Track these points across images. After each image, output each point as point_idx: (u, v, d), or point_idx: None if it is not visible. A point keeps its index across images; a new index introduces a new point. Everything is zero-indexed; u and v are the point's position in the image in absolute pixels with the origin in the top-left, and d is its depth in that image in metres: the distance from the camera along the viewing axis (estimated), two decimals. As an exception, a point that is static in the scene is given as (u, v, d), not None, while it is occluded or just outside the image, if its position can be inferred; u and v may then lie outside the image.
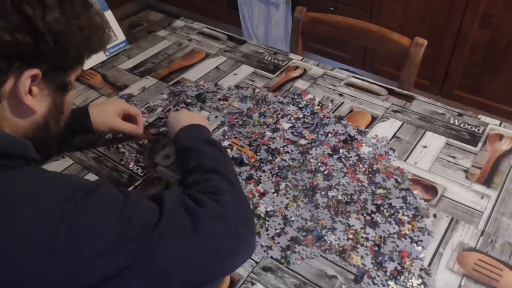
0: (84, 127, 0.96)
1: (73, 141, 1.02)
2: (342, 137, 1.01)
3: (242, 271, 0.76)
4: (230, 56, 1.34)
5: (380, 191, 0.87)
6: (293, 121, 1.07)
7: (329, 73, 1.25)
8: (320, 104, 1.12)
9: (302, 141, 1.00)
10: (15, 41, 0.51)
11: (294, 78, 1.23)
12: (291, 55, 1.35)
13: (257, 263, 0.77)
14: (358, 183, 0.89)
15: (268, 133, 1.04)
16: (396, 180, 0.90)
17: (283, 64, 1.29)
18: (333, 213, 0.84)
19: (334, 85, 1.20)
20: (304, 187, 0.89)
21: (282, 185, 0.90)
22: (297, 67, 1.28)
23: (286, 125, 1.06)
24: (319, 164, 0.94)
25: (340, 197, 0.87)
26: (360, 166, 0.93)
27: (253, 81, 1.23)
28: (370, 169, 0.93)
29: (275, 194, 0.88)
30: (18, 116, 0.57)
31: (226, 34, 1.47)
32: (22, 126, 0.59)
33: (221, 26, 1.59)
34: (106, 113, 0.97)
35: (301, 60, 1.32)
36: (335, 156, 0.96)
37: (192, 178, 0.76)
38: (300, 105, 1.12)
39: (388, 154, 0.96)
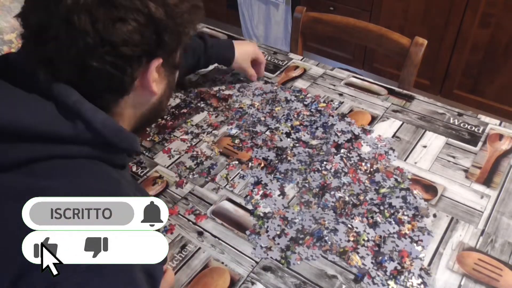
0: (226, 58, 1.13)
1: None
2: (348, 136, 1.01)
3: (242, 270, 0.76)
4: (230, 56, 1.34)
5: (383, 190, 0.87)
6: (300, 119, 1.07)
7: (329, 73, 1.25)
8: (326, 102, 1.12)
9: (314, 142, 1.00)
10: (144, 40, 0.54)
11: (294, 78, 1.23)
12: (291, 55, 1.35)
13: (257, 263, 0.77)
14: (359, 183, 0.89)
15: (277, 132, 1.04)
16: (396, 179, 0.90)
17: (283, 64, 1.29)
18: (337, 214, 0.84)
19: (334, 85, 1.20)
20: (316, 187, 0.89)
21: (288, 188, 0.91)
22: (297, 67, 1.28)
23: (294, 123, 1.06)
24: (325, 163, 0.94)
25: (347, 199, 0.87)
26: (362, 165, 0.93)
27: (253, 81, 1.23)
28: (371, 169, 0.93)
29: (281, 197, 0.88)
30: (140, 101, 0.61)
31: (226, 34, 1.47)
32: (141, 109, 0.62)
33: (221, 26, 1.58)
34: (246, 54, 1.14)
35: (301, 60, 1.32)
36: (337, 156, 0.96)
37: None
38: (305, 102, 1.12)
39: (388, 154, 0.96)
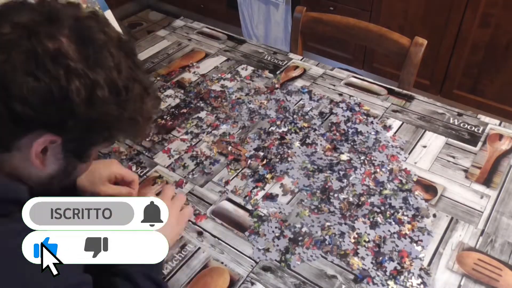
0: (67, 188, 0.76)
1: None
2: (373, 137, 1.01)
3: (242, 271, 0.76)
4: (230, 56, 1.34)
5: (386, 192, 0.87)
6: (308, 118, 1.07)
7: (329, 73, 1.25)
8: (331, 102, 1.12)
9: (344, 157, 0.95)
10: (45, 110, 0.49)
11: (294, 78, 1.23)
12: (291, 55, 1.35)
13: (256, 263, 0.77)
14: (362, 184, 0.89)
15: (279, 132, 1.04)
16: (400, 181, 0.90)
17: (283, 64, 1.29)
18: (342, 216, 0.83)
19: (334, 85, 1.20)
20: (317, 189, 0.89)
21: (288, 187, 0.91)
22: (297, 67, 1.28)
23: (303, 124, 1.06)
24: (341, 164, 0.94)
25: (351, 199, 0.87)
26: (378, 170, 0.92)
27: (252, 80, 1.23)
28: (384, 170, 0.93)
29: (281, 197, 0.88)
30: (24, 167, 0.55)
31: (226, 33, 1.47)
32: (25, 176, 0.57)
33: (221, 26, 1.58)
34: (94, 179, 0.82)
35: (301, 59, 1.32)
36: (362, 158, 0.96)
37: None
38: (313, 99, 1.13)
39: (399, 154, 0.96)
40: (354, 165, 0.94)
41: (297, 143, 1.00)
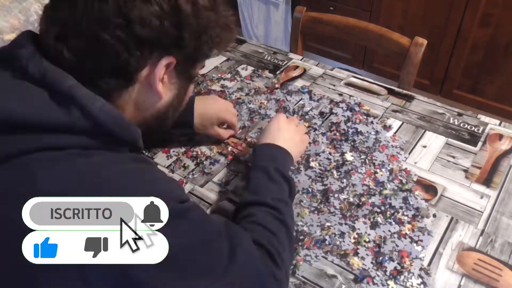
0: (186, 123, 0.94)
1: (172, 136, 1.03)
2: (373, 137, 1.01)
3: (242, 270, 0.76)
4: (230, 56, 1.34)
5: (386, 192, 0.87)
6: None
7: (329, 72, 1.25)
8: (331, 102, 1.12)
9: (348, 156, 0.95)
10: (162, 28, 0.52)
11: (294, 78, 1.23)
12: (291, 55, 1.35)
13: (257, 262, 0.77)
14: (362, 184, 0.89)
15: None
16: (400, 181, 0.90)
17: (283, 64, 1.29)
18: (343, 217, 0.83)
19: (334, 85, 1.20)
20: (318, 192, 0.89)
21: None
22: (297, 67, 1.28)
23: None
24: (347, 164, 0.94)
25: (351, 199, 0.87)
26: (378, 171, 0.92)
27: (252, 80, 1.23)
28: (384, 170, 0.93)
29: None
30: (144, 100, 0.58)
31: (226, 33, 1.46)
32: (143, 110, 0.60)
33: (221, 26, 1.58)
34: (208, 118, 0.96)
35: (301, 59, 1.32)
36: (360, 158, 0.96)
37: (262, 214, 0.72)
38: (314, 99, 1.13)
39: (399, 154, 0.96)
40: (355, 165, 0.94)
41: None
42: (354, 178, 0.91)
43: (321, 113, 1.09)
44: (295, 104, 1.12)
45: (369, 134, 1.01)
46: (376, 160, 0.95)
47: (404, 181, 0.90)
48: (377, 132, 1.02)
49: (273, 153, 0.83)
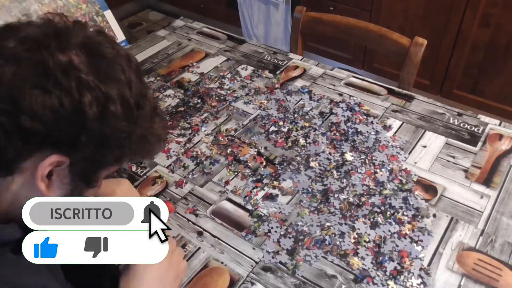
0: None
1: None
2: (373, 137, 1.01)
3: (242, 271, 0.76)
4: (230, 56, 1.34)
5: (386, 192, 0.87)
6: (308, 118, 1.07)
7: (329, 72, 1.25)
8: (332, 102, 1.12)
9: (348, 156, 0.96)
10: (56, 125, 0.46)
11: (294, 78, 1.23)
12: (291, 55, 1.35)
13: (256, 263, 0.77)
14: (364, 184, 0.89)
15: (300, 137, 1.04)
16: (400, 181, 0.90)
17: (283, 64, 1.29)
18: (343, 217, 0.83)
19: (334, 85, 1.20)
20: (318, 192, 0.89)
21: (288, 187, 0.91)
22: (297, 67, 1.28)
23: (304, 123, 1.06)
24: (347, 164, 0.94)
25: (351, 199, 0.87)
26: (378, 171, 0.92)
27: (252, 80, 1.23)
28: (384, 170, 0.92)
29: (281, 197, 0.88)
30: (25, 195, 0.52)
31: (226, 33, 1.47)
32: (23, 203, 0.52)
33: (220, 26, 1.58)
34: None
35: (301, 59, 1.32)
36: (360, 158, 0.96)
37: None
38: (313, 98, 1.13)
39: (399, 154, 0.96)
40: (355, 165, 0.94)
41: (301, 141, 1.00)
42: (354, 178, 0.91)
43: (321, 113, 1.09)
44: (295, 104, 1.12)
45: (369, 134, 1.01)
46: (376, 160, 0.95)
47: (404, 181, 0.90)
48: (377, 132, 1.02)
49: None
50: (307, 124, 1.05)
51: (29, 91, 0.45)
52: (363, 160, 0.95)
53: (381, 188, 0.88)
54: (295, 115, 1.09)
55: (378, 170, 0.92)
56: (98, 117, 0.48)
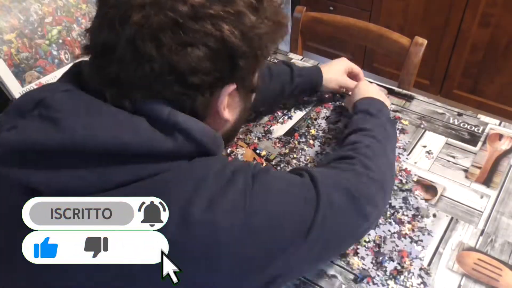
0: (314, 85, 1.05)
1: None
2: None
3: (242, 270, 0.76)
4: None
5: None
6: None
7: (329, 72, 1.25)
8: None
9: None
10: (215, 68, 0.49)
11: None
12: (291, 55, 1.34)
13: (256, 262, 0.77)
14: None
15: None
16: (400, 181, 0.90)
17: (283, 64, 1.29)
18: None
19: (334, 85, 1.19)
20: None
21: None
22: (296, 67, 1.27)
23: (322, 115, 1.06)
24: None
25: None
26: None
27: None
28: None
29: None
30: (215, 126, 0.56)
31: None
32: (217, 131, 0.57)
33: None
34: (336, 71, 1.08)
35: (301, 59, 1.32)
36: None
37: (361, 139, 0.76)
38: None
39: (401, 154, 0.96)
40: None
41: (305, 146, 1.00)
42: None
43: (325, 117, 1.09)
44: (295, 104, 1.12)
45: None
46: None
47: (404, 181, 0.90)
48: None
49: (370, 101, 0.89)
50: (308, 124, 1.05)
51: (180, 53, 0.47)
52: None
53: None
54: (295, 115, 1.08)
55: None
56: (243, 40, 0.50)
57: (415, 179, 0.90)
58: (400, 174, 0.91)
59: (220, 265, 0.48)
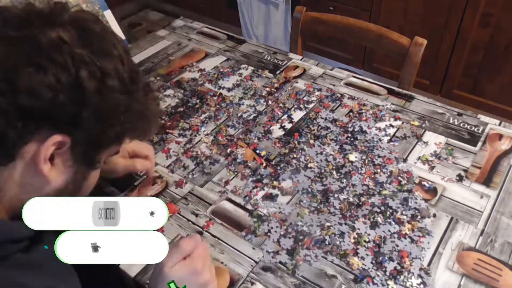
0: None
1: None
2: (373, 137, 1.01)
3: (242, 270, 0.76)
4: (230, 56, 1.34)
5: (385, 192, 0.87)
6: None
7: (329, 72, 1.25)
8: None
9: (352, 157, 0.95)
10: (55, 102, 0.45)
11: (294, 78, 1.23)
12: (291, 55, 1.35)
13: (256, 263, 0.77)
14: (364, 184, 0.89)
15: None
16: (399, 182, 0.90)
17: (283, 64, 1.29)
18: (343, 216, 0.83)
19: (334, 85, 1.20)
20: (318, 192, 0.88)
21: (287, 187, 0.91)
22: (296, 67, 1.28)
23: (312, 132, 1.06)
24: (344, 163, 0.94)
25: (351, 199, 0.87)
26: (379, 171, 0.92)
27: (252, 80, 1.23)
28: (384, 170, 0.92)
29: (285, 201, 0.88)
30: (29, 182, 0.51)
31: (225, 33, 1.47)
32: (29, 193, 0.51)
33: (220, 26, 1.58)
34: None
35: (301, 59, 1.32)
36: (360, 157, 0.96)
37: None
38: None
39: (399, 158, 0.96)
40: (356, 166, 0.93)
41: (306, 148, 1.00)
42: (354, 178, 0.91)
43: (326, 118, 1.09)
44: (296, 103, 1.12)
45: (369, 134, 1.01)
46: (376, 160, 0.94)
47: (404, 182, 0.90)
48: (373, 135, 1.02)
49: None
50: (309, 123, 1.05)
51: (24, 69, 0.44)
52: (363, 161, 0.94)
53: (381, 189, 0.88)
54: (295, 115, 1.08)
55: (378, 170, 0.92)
56: (97, 91, 0.47)
57: (417, 181, 0.90)
58: (401, 176, 0.91)
59: None
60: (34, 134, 0.47)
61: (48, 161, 0.49)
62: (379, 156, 0.95)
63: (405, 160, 0.95)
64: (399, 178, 0.90)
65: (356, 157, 0.95)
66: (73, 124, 0.48)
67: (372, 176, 0.91)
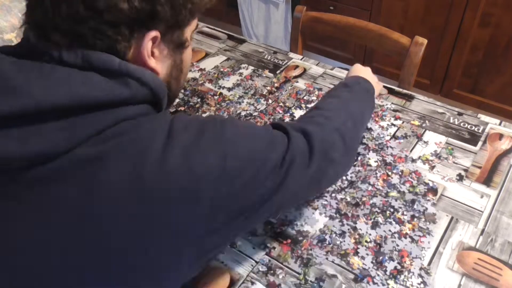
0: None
1: None
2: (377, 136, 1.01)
3: (242, 270, 0.76)
4: (230, 55, 1.34)
5: (393, 193, 0.87)
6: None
7: (329, 72, 1.25)
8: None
9: (372, 162, 0.94)
10: (132, 9, 0.51)
11: (294, 77, 1.23)
12: (291, 54, 1.35)
13: (256, 262, 0.77)
14: (372, 186, 0.89)
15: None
16: (412, 183, 0.89)
17: (283, 64, 1.29)
18: (343, 216, 0.83)
19: (334, 85, 1.19)
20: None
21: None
22: (297, 66, 1.28)
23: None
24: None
25: (351, 200, 0.86)
26: (389, 172, 0.92)
27: (252, 80, 1.23)
28: (393, 172, 0.92)
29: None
30: None
31: (226, 33, 1.47)
32: None
33: (220, 25, 1.58)
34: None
35: (301, 59, 1.32)
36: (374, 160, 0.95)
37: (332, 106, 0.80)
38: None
39: (408, 157, 0.96)
40: (372, 169, 0.93)
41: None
42: (364, 181, 0.90)
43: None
44: (296, 104, 1.12)
45: (374, 131, 1.01)
46: (387, 158, 0.94)
47: (414, 182, 0.89)
48: (379, 132, 1.02)
49: (355, 78, 0.93)
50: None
51: None
52: (377, 163, 0.93)
53: (389, 190, 0.88)
54: (296, 114, 1.09)
55: (389, 172, 0.91)
56: None
57: (426, 180, 0.90)
58: (410, 176, 0.91)
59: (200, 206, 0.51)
60: (131, 41, 0.54)
61: (151, 56, 0.57)
62: (391, 155, 0.95)
63: (414, 160, 0.95)
64: (410, 178, 0.90)
65: (376, 161, 0.94)
66: (154, 19, 0.54)
67: (385, 177, 0.90)
